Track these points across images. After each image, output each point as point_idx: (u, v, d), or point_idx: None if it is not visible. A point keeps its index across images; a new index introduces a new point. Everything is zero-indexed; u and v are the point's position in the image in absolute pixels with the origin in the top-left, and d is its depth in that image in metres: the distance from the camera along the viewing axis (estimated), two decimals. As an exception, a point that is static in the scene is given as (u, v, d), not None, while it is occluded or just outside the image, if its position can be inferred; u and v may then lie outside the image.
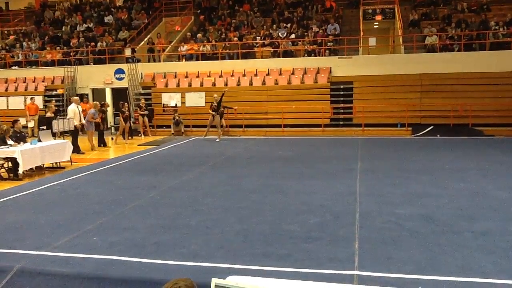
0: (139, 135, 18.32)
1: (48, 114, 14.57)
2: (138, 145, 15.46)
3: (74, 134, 13.76)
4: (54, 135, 12.97)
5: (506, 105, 16.33)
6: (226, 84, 19.11)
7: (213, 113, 15.81)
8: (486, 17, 19.04)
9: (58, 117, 14.76)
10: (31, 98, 19.17)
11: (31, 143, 10.37)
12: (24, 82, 21.63)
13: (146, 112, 18.06)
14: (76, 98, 15.23)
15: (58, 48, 22.93)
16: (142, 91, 20.15)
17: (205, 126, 16.77)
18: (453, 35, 18.65)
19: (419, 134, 16.21)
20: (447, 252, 4.84)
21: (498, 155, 11.63)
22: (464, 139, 14.95)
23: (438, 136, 15.75)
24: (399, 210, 6.51)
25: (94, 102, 15.46)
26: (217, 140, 15.81)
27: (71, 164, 11.48)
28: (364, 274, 4.31)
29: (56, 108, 17.21)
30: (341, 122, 17.75)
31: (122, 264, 4.67)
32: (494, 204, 6.79)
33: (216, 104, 15.94)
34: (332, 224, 5.92)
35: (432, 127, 16.50)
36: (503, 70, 16.84)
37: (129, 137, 17.41)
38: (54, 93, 20.64)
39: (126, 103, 16.76)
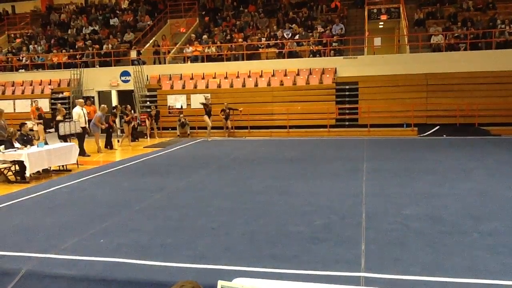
0: (145, 137, 18.39)
1: (59, 117, 14.58)
2: (144, 147, 15.51)
3: (80, 136, 13.82)
4: (64, 138, 13.06)
5: (512, 104, 16.25)
6: (231, 86, 19.17)
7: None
8: (494, 15, 18.94)
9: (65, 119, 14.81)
10: (34, 101, 19.26)
11: (38, 146, 10.43)
12: (31, 85, 21.78)
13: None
14: (80, 100, 15.32)
15: (64, 51, 23.06)
16: (148, 93, 20.23)
17: (211, 128, 17.00)
18: (459, 34, 18.56)
19: (425, 134, 16.15)
20: (454, 253, 4.81)
21: (505, 155, 11.55)
22: (471, 138, 14.87)
23: (444, 136, 15.67)
24: (406, 210, 6.49)
25: (102, 106, 15.51)
26: (208, 140, 16.61)
27: (78, 166, 11.54)
28: (370, 275, 4.29)
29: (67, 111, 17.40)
30: (347, 123, 17.72)
31: (128, 266, 4.68)
32: (501, 204, 6.75)
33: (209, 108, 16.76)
34: (339, 225, 5.90)
35: (438, 127, 16.43)
36: (510, 68, 16.74)
37: (136, 140, 17.51)
38: (60, 96, 20.77)
39: (128, 106, 16.89)
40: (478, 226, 5.69)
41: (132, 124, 17.31)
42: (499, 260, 4.58)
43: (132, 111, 18.82)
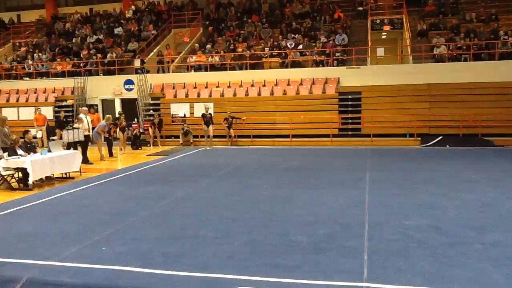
0: (148, 145, 18.42)
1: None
2: (147, 155, 15.52)
3: (83, 144, 13.85)
4: (74, 146, 13.14)
5: (515, 115, 16.22)
6: (234, 95, 19.23)
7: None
8: (498, 26, 19.00)
9: (67, 127, 14.85)
10: (38, 109, 19.34)
11: (41, 153, 10.46)
12: (35, 93, 21.90)
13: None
14: (84, 108, 15.39)
15: (68, 59, 23.21)
16: (151, 102, 20.30)
17: (214, 137, 17.04)
18: (461, 45, 18.61)
19: (428, 144, 16.12)
20: (456, 264, 4.79)
21: (508, 166, 11.52)
22: (474, 149, 14.85)
23: (447, 146, 15.64)
24: (408, 221, 6.47)
25: (107, 116, 15.58)
26: (207, 148, 16.92)
27: (81, 174, 11.55)
28: (373, 286, 4.28)
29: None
30: (350, 132, 17.71)
31: (130, 274, 4.68)
32: (504, 215, 6.73)
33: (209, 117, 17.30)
34: (341, 235, 5.89)
35: (441, 137, 16.40)
36: (513, 79, 16.76)
37: (139, 148, 17.56)
38: (64, 103, 20.86)
39: (123, 114, 17.08)
40: (481, 237, 5.67)
41: (135, 132, 17.46)
42: (502, 271, 4.56)
43: (135, 119, 18.94)
